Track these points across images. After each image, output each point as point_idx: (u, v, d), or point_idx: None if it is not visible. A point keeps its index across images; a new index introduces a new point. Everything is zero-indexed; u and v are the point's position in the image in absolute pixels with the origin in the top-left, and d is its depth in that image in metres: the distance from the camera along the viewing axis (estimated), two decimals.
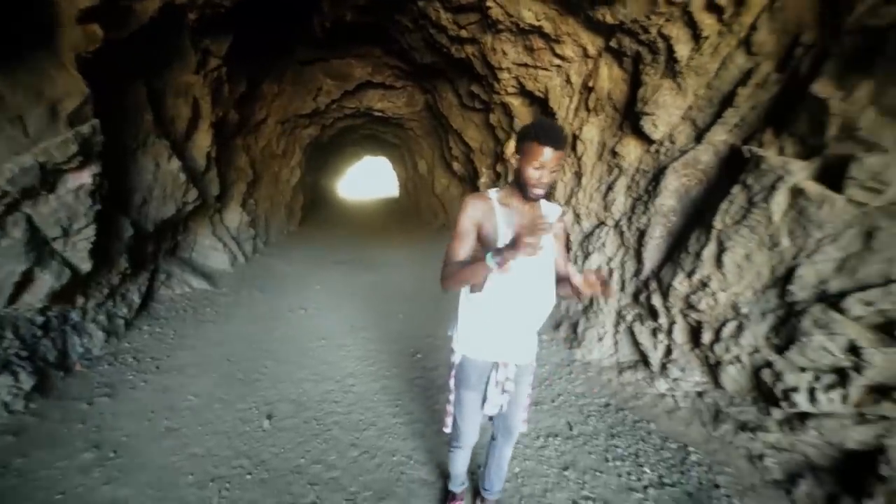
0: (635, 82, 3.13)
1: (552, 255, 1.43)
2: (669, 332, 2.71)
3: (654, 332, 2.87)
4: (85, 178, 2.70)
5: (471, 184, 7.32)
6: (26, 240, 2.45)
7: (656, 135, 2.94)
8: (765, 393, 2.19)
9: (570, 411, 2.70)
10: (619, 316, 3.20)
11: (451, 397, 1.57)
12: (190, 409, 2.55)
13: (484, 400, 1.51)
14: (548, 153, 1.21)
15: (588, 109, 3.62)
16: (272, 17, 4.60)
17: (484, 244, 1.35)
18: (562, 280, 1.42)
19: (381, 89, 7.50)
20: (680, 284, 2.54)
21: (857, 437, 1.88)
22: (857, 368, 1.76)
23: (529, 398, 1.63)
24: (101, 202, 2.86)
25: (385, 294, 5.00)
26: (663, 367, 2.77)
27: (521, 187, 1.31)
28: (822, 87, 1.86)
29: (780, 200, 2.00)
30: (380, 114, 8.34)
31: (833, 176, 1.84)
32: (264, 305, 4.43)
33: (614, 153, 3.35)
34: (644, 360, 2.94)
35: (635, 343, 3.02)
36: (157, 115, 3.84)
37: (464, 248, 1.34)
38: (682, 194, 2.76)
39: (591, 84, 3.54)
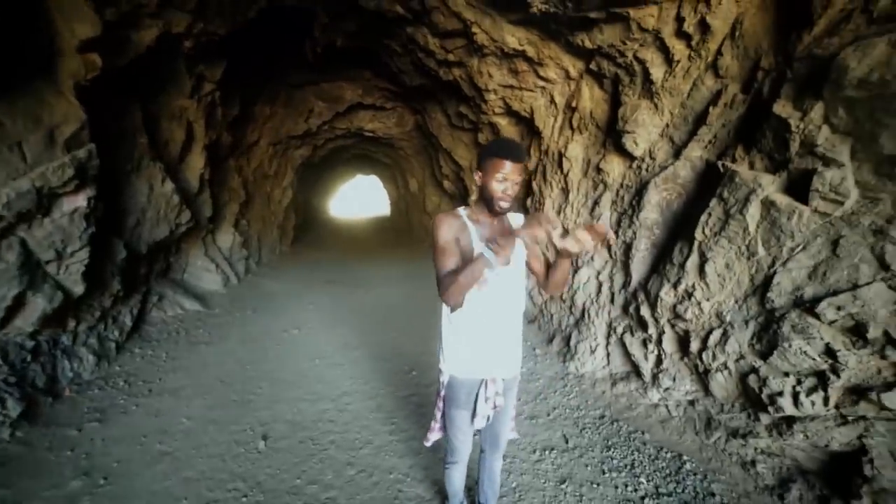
0: (615, 102, 3.29)
1: (523, 262, 1.51)
2: (659, 343, 2.77)
3: (645, 343, 2.93)
4: (80, 201, 2.73)
5: (461, 201, 7.44)
6: (20, 263, 2.45)
7: (637, 152, 3.08)
8: (752, 399, 2.24)
9: (565, 424, 2.72)
10: (610, 328, 3.26)
11: (438, 415, 1.61)
12: (183, 433, 2.51)
13: (473, 415, 1.54)
14: (508, 166, 1.30)
15: (572, 128, 3.78)
16: (265, 43, 4.76)
17: (461, 260, 1.39)
18: (552, 268, 1.46)
19: (371, 110, 7.66)
20: (666, 295, 2.62)
21: (840, 438, 1.94)
22: (835, 371, 1.84)
23: (514, 408, 1.69)
24: (95, 225, 2.87)
25: (378, 312, 5.00)
26: (655, 377, 2.82)
27: (487, 202, 1.39)
28: (781, 108, 2.02)
29: (753, 212, 2.12)
30: (371, 134, 8.49)
31: (799, 188, 1.96)
32: (257, 326, 4.40)
33: (599, 170, 3.49)
34: (636, 371, 2.99)
35: (627, 354, 3.07)
36: (152, 138, 3.90)
37: (452, 259, 1.37)
38: (663, 208, 2.88)
39: (574, 104, 3.71)
